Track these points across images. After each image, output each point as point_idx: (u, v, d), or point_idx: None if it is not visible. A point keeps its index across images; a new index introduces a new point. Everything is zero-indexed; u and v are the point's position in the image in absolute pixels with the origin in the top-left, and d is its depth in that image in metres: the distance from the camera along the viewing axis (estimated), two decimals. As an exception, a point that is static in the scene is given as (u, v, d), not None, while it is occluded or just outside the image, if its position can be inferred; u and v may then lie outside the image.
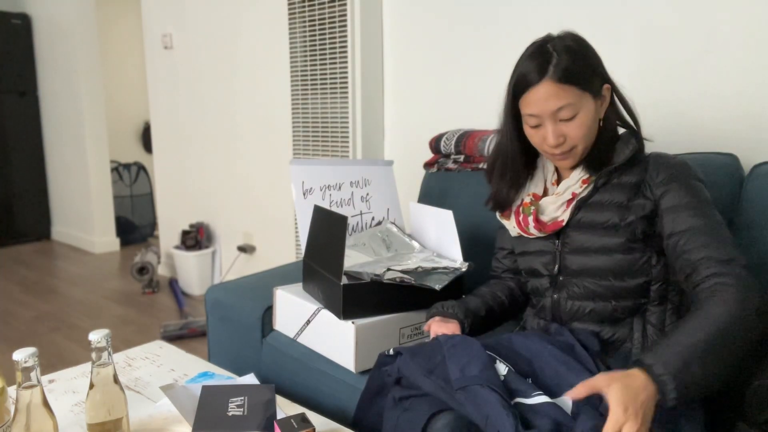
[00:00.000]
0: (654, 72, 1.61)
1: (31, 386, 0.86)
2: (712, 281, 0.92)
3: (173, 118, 3.36)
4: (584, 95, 1.01)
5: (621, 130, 1.12)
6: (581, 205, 1.08)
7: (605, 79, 1.06)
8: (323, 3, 2.24)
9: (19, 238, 4.44)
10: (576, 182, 1.09)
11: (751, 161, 1.32)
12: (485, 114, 2.00)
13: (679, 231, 0.99)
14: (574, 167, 1.10)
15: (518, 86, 1.04)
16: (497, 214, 1.23)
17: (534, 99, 1.02)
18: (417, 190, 1.97)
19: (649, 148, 1.12)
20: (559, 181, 1.14)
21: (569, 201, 1.09)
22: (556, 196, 1.11)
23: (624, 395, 0.78)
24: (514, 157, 1.15)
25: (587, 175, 1.08)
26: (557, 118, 1.02)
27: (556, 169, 1.16)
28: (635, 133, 1.09)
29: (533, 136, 1.07)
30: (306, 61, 2.37)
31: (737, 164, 1.32)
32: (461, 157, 1.79)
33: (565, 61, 1.00)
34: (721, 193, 1.27)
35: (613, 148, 1.08)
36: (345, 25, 2.18)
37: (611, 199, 1.06)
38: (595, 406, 0.88)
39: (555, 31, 1.08)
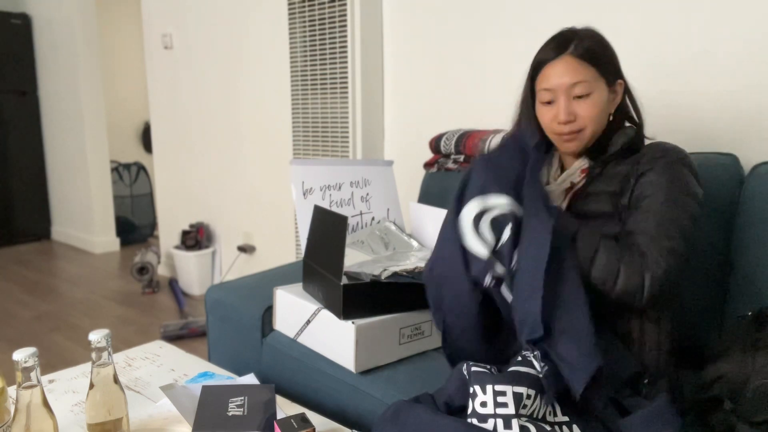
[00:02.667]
0: (654, 72, 1.61)
1: (31, 386, 0.86)
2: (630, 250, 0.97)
3: (173, 118, 3.36)
4: (600, 80, 1.04)
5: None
6: (578, 194, 1.10)
7: (619, 74, 1.09)
8: (323, 3, 2.24)
9: (19, 238, 4.44)
10: (575, 172, 1.11)
11: (751, 161, 1.32)
12: (485, 114, 2.00)
13: (638, 208, 1.01)
14: (578, 156, 1.11)
15: (537, 66, 1.08)
16: None
17: (551, 72, 1.05)
18: (417, 190, 1.97)
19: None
20: (561, 175, 1.16)
21: (568, 190, 1.11)
22: (556, 185, 1.13)
23: None
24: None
25: (587, 165, 1.10)
26: (571, 94, 1.04)
27: (561, 165, 1.17)
28: (636, 128, 1.11)
29: (544, 113, 1.09)
30: (306, 61, 2.37)
31: (737, 164, 1.32)
32: (461, 157, 1.79)
33: (587, 42, 1.04)
34: (721, 193, 1.27)
35: (610, 140, 1.10)
36: (345, 25, 2.18)
37: (605, 189, 1.07)
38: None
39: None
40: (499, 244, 0.97)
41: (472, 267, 0.99)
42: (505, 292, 0.97)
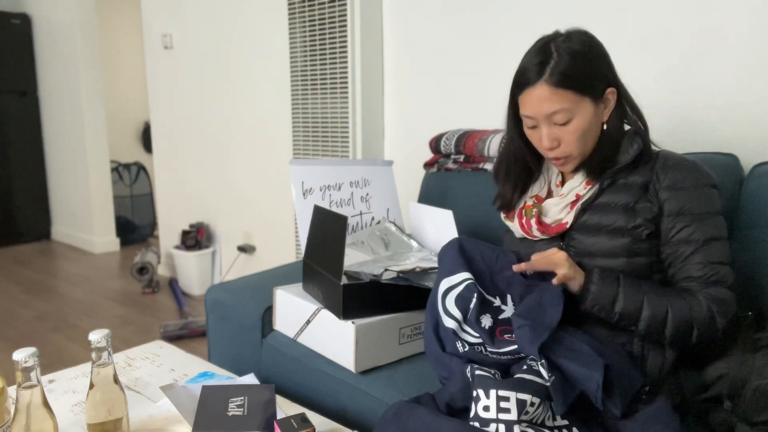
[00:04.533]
0: (654, 72, 1.61)
1: (31, 386, 0.86)
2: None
3: (173, 118, 3.36)
4: (582, 100, 1.00)
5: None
6: (586, 207, 1.07)
7: (610, 82, 1.03)
8: (323, 3, 2.24)
9: (19, 238, 4.44)
10: (580, 184, 1.08)
11: (751, 161, 1.32)
12: (485, 114, 2.00)
13: (675, 241, 1.01)
14: (575, 170, 1.09)
15: (517, 83, 1.04)
16: (502, 216, 1.23)
17: (529, 100, 1.02)
18: (417, 190, 1.97)
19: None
20: (563, 183, 1.13)
21: (573, 203, 1.08)
22: (559, 198, 1.10)
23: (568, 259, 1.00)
24: (517, 158, 1.15)
25: (590, 177, 1.08)
26: (552, 121, 1.01)
27: (561, 173, 1.15)
28: (641, 132, 1.07)
29: (531, 135, 1.08)
30: (306, 61, 2.37)
31: (737, 164, 1.32)
32: (461, 157, 1.79)
33: (563, 64, 0.98)
34: (721, 193, 1.27)
35: (617, 147, 1.06)
36: (345, 25, 2.18)
37: (617, 201, 1.04)
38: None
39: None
40: (469, 314, 1.05)
41: (445, 341, 1.07)
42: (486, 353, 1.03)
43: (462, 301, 1.06)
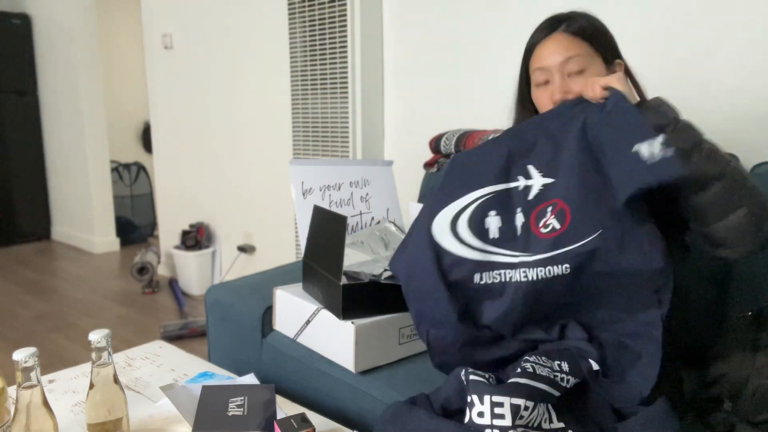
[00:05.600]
0: (654, 72, 1.61)
1: (31, 386, 0.86)
2: None
3: (173, 118, 3.36)
4: (596, 55, 1.02)
5: None
6: None
7: (618, 54, 1.06)
8: (323, 3, 2.24)
9: (19, 238, 4.44)
10: None
11: (751, 161, 1.32)
12: (485, 114, 2.00)
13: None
14: None
15: (531, 43, 1.05)
16: None
17: (543, 52, 1.03)
18: (417, 190, 1.97)
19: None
20: None
21: None
22: None
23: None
24: None
25: None
26: (565, 71, 1.01)
27: None
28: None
29: (540, 96, 1.06)
30: (306, 61, 2.37)
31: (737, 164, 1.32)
32: (461, 157, 1.79)
33: (579, 20, 1.02)
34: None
35: None
36: (345, 25, 2.18)
37: None
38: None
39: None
40: (491, 236, 0.96)
41: (452, 272, 0.96)
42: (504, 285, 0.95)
43: (476, 224, 0.97)
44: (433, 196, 1.02)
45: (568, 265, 0.89)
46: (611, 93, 0.91)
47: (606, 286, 0.90)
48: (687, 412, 1.05)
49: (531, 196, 0.95)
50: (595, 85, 0.93)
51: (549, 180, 0.95)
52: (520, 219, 0.96)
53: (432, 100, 2.15)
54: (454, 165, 1.02)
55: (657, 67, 1.60)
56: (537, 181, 0.96)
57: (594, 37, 1.02)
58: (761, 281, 1.20)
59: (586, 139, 0.93)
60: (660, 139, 0.83)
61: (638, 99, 0.97)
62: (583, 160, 0.91)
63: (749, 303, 1.17)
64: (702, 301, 1.29)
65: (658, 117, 0.90)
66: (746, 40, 1.45)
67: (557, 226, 0.91)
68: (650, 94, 1.59)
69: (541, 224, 0.93)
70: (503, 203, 0.97)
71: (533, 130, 0.99)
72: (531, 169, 0.97)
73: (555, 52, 1.01)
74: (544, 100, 1.05)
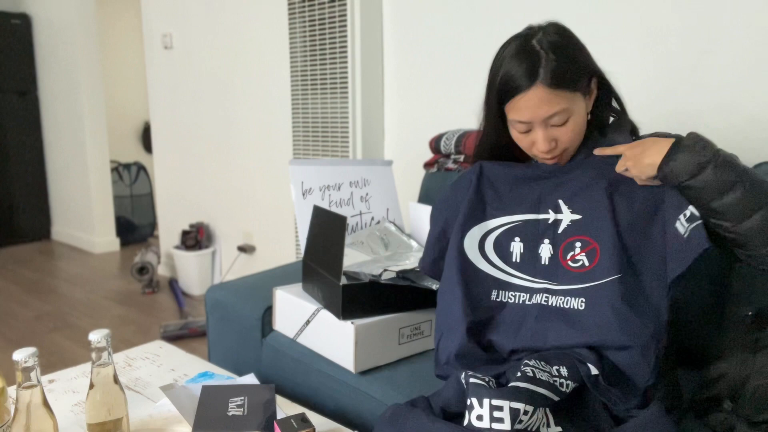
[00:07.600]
0: (654, 72, 1.61)
1: (31, 386, 0.86)
2: None
3: (173, 118, 3.36)
4: (575, 96, 0.96)
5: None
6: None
7: (592, 72, 1.00)
8: (323, 3, 2.24)
9: (19, 238, 4.44)
10: None
11: (751, 161, 1.32)
12: (485, 114, 1.99)
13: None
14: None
15: (505, 90, 0.98)
16: None
17: (524, 105, 0.96)
18: (417, 190, 1.97)
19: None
20: None
21: None
22: None
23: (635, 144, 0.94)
24: (506, 154, 1.12)
25: None
26: (548, 123, 0.97)
27: None
28: (623, 117, 1.05)
29: (522, 140, 1.02)
30: (306, 61, 2.37)
31: (737, 164, 1.32)
32: (461, 157, 1.79)
33: (554, 61, 0.93)
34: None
35: (605, 137, 1.04)
36: (345, 25, 2.18)
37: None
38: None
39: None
40: (514, 258, 1.03)
41: (472, 283, 1.04)
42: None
43: (501, 247, 1.04)
44: (469, 206, 1.09)
45: (583, 299, 0.96)
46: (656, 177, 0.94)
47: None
48: (687, 412, 1.05)
49: (560, 230, 1.01)
50: (642, 175, 0.95)
51: (577, 216, 1.00)
52: (547, 250, 1.01)
53: (432, 100, 2.15)
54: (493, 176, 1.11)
55: (656, 67, 1.60)
56: (566, 216, 1.01)
57: (571, 78, 0.95)
58: (761, 281, 1.20)
59: (616, 185, 0.99)
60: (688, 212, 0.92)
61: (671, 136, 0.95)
62: (616, 206, 0.98)
63: (749, 303, 1.17)
64: (702, 301, 1.29)
65: (697, 156, 0.92)
66: (746, 40, 1.45)
67: (587, 263, 0.97)
68: (650, 94, 1.60)
69: (569, 257, 0.99)
70: (529, 232, 1.03)
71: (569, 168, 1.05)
72: (561, 204, 1.02)
73: (538, 108, 0.95)
74: (525, 144, 1.03)
